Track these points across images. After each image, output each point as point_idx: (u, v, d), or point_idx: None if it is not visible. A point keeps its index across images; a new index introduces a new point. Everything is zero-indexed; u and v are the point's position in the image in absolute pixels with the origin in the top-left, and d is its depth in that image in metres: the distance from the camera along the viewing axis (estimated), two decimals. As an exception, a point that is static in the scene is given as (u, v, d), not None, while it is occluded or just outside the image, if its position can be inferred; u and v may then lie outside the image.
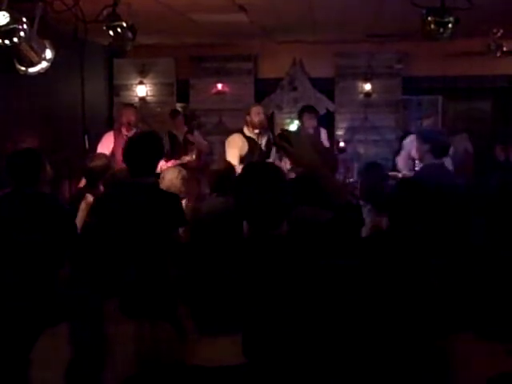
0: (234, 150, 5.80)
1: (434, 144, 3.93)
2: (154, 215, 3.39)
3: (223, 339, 1.43)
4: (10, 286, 3.14)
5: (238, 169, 5.67)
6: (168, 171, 4.63)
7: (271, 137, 6.09)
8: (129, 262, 2.20)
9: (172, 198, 3.72)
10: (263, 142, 6.04)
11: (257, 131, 5.82)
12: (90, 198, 4.22)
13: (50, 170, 3.63)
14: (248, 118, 5.87)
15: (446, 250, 2.59)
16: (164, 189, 4.08)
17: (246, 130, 5.87)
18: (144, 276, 2.41)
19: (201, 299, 1.43)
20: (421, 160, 4.14)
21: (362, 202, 4.23)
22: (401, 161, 6.69)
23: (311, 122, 7.09)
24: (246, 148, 5.78)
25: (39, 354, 2.01)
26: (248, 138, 5.82)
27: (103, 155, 4.91)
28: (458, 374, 1.41)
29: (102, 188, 4.36)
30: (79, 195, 4.49)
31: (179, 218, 3.63)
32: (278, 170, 2.32)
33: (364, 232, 3.22)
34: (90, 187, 4.43)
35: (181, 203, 3.88)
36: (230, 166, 4.58)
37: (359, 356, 2.13)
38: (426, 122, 7.25)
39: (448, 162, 6.38)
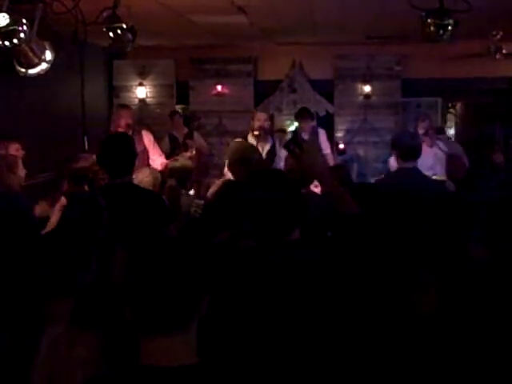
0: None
1: (400, 148, 3.95)
2: (138, 215, 3.33)
3: (178, 338, 1.42)
4: None
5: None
6: (140, 171, 4.61)
7: (277, 145, 6.03)
8: (88, 266, 2.19)
9: (153, 195, 3.72)
10: (265, 149, 6.00)
11: (256, 133, 5.80)
12: (63, 200, 4.23)
13: (22, 173, 3.68)
14: (252, 122, 5.88)
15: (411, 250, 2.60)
16: None
17: (249, 137, 5.85)
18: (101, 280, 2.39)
19: (146, 299, 1.42)
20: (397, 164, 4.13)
21: None
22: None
23: (307, 125, 7.12)
24: None
25: None
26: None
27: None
28: None
29: (86, 187, 4.38)
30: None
31: (166, 214, 3.59)
32: (286, 176, 2.31)
33: None
34: (75, 186, 4.47)
35: (163, 200, 3.87)
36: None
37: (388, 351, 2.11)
38: (422, 125, 7.23)
39: (442, 162, 6.36)
